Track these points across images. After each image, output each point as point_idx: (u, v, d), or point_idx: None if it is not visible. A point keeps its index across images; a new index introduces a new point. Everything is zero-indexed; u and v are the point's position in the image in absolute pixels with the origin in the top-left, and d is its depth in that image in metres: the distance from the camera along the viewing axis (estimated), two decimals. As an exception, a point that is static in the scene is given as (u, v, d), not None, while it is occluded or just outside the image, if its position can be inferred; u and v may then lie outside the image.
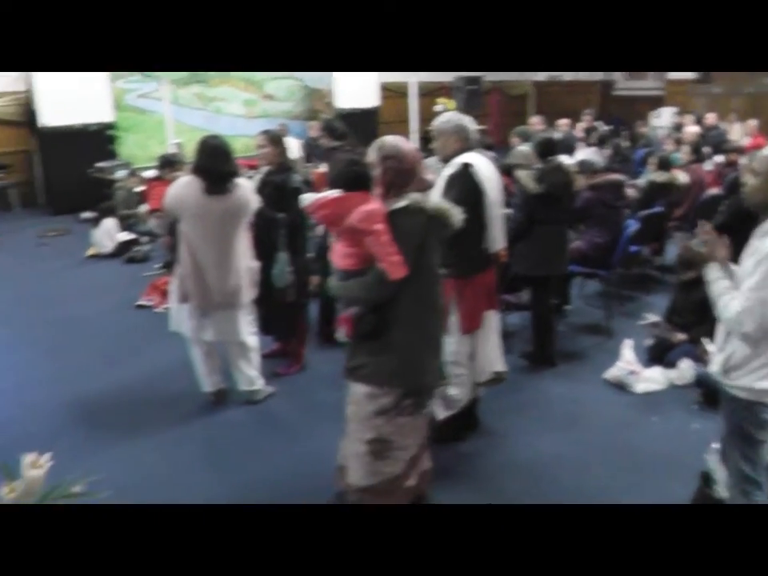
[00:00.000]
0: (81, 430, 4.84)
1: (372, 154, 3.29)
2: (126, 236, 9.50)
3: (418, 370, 3.31)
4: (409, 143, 3.36)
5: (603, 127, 10.71)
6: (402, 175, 3.22)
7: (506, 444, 4.56)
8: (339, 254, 3.30)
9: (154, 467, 4.34)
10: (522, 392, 5.21)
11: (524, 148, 6.05)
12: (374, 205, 3.17)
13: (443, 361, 3.59)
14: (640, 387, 5.23)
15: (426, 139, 6.76)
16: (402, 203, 3.19)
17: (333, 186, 3.39)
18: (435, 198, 3.51)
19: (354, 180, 3.25)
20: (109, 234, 9.34)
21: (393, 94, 15.54)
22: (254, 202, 4.85)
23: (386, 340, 3.26)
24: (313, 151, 11.37)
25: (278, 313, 5.34)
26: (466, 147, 4.24)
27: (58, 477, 2.24)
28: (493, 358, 4.45)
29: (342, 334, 3.52)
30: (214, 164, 4.62)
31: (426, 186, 3.27)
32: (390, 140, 3.32)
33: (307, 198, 3.36)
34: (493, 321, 4.46)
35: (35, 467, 2.17)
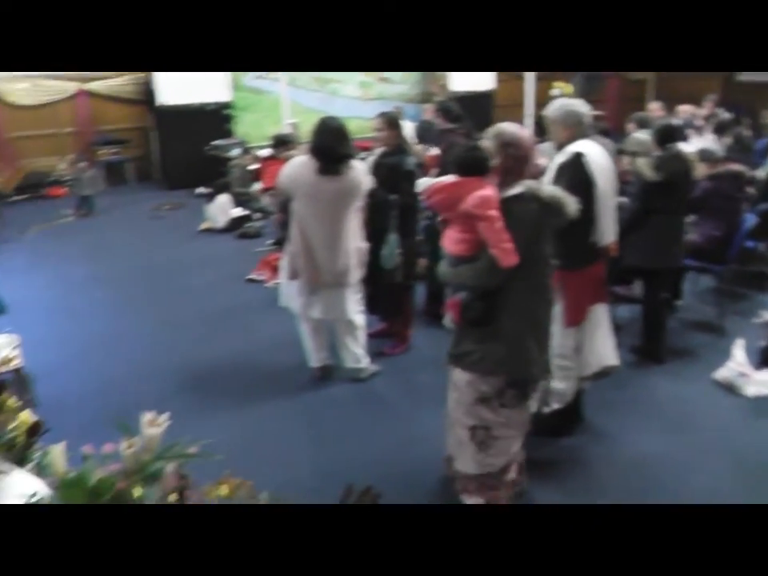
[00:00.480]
0: (189, 395, 5.06)
1: (490, 141, 3.28)
2: (239, 212, 9.75)
3: (524, 360, 3.28)
4: (524, 129, 3.32)
5: (724, 114, 10.23)
6: (519, 162, 3.21)
7: (609, 441, 4.48)
8: (451, 240, 3.30)
9: (259, 437, 4.48)
10: (628, 388, 5.09)
11: (641, 135, 5.87)
12: (489, 190, 3.16)
13: (550, 354, 3.54)
14: (751, 390, 4.98)
15: (539, 124, 6.63)
16: (516, 190, 3.18)
17: (450, 170, 3.40)
18: (548, 185, 3.45)
19: (470, 165, 3.25)
20: (223, 209, 9.60)
21: (508, 77, 15.26)
22: (367, 183, 4.89)
23: (493, 328, 3.25)
24: (426, 134, 11.32)
25: (385, 293, 5.40)
26: (579, 134, 4.12)
27: (171, 438, 2.35)
28: (602, 352, 4.34)
29: (448, 319, 3.53)
30: (331, 145, 4.67)
31: (538, 172, 3.23)
32: (509, 127, 3.30)
33: (423, 183, 3.39)
34: (602, 314, 4.34)
35: (153, 426, 2.27)
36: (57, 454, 2.23)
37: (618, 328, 5.44)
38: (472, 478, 3.49)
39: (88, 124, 12.43)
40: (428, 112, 11.36)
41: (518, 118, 11.69)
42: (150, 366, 5.56)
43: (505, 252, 3.08)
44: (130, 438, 2.24)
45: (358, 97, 14.14)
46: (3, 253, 8.76)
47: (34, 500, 2.00)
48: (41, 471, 2.58)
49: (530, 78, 11.64)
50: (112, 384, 5.25)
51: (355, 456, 4.28)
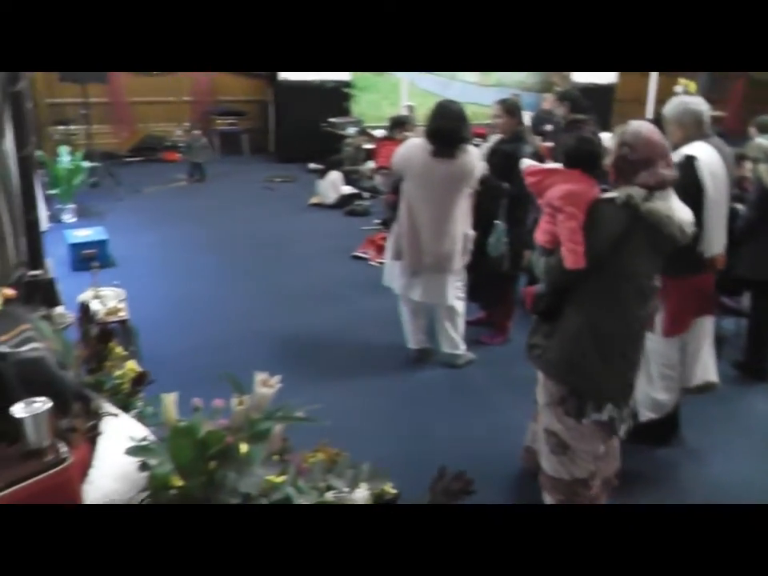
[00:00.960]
0: (287, 362, 5.11)
1: (613, 137, 3.14)
2: (349, 190, 9.82)
3: (579, 368, 3.08)
4: (655, 132, 3.11)
5: None
6: (632, 166, 2.97)
7: (702, 456, 4.29)
8: (540, 228, 3.22)
9: (352, 411, 4.49)
10: (728, 404, 4.84)
11: (763, 140, 5.58)
12: (579, 186, 3.02)
13: (631, 375, 3.25)
14: None
15: (657, 121, 6.36)
16: (613, 194, 2.99)
17: (558, 158, 3.31)
18: (674, 200, 3.06)
19: (575, 157, 3.13)
20: (333, 185, 9.67)
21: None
22: (479, 169, 4.82)
23: (556, 326, 3.13)
24: (542, 124, 11.10)
25: (487, 281, 5.32)
26: (696, 135, 3.88)
27: (279, 400, 2.37)
28: (706, 366, 4.15)
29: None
30: (447, 128, 4.63)
31: (664, 181, 2.98)
32: (634, 126, 3.05)
33: (525, 162, 3.29)
34: (707, 328, 4.13)
35: (266, 386, 2.30)
36: (169, 402, 2.28)
37: (722, 340, 5.20)
38: (550, 478, 3.39)
39: (207, 94, 12.72)
40: (547, 102, 11.12)
41: (639, 114, 11.38)
42: (249, 330, 5.68)
43: (573, 253, 2.94)
44: (240, 395, 2.28)
45: (475, 82, 13.94)
46: (116, 210, 9.07)
47: (144, 443, 2.05)
48: (142, 420, 2.66)
49: (653, 72, 11.28)
50: (212, 344, 5.38)
51: (445, 440, 4.25)
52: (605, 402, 3.14)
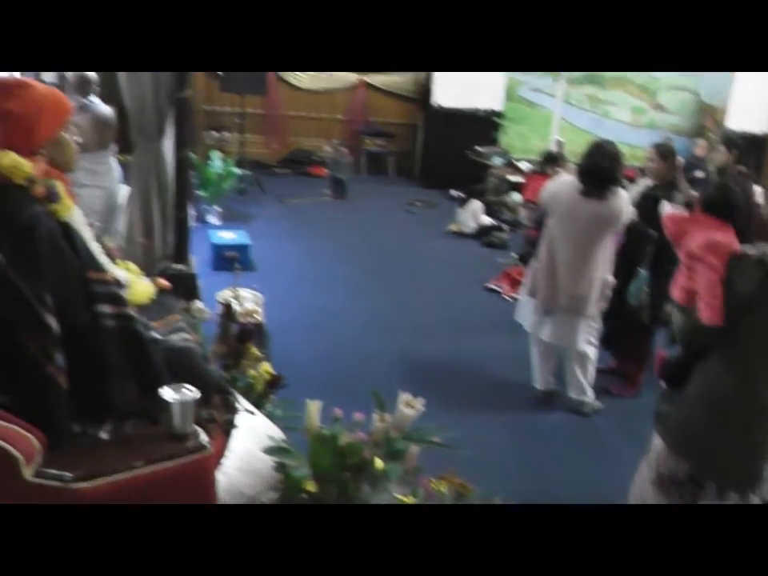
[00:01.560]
0: (411, 384, 4.97)
1: (761, 188, 2.99)
2: (489, 220, 9.75)
3: (698, 444, 2.78)
4: None
5: None
6: None
7: None
8: (676, 284, 3.08)
9: (472, 444, 4.39)
10: None
11: None
12: (722, 237, 2.87)
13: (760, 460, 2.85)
14: None
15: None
16: (753, 250, 2.68)
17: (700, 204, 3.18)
18: None
19: (715, 205, 3.00)
20: (474, 215, 9.65)
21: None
22: (627, 213, 4.70)
23: (682, 393, 2.84)
24: (692, 170, 10.73)
25: (623, 330, 5.16)
26: None
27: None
28: None
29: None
30: (602, 167, 4.54)
31: None
32: None
33: (665, 208, 3.17)
34: None
35: (409, 406, 2.32)
36: (313, 409, 2.33)
37: None
38: None
39: (360, 114, 12.99)
40: (699, 148, 10.75)
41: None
42: (376, 348, 5.72)
43: (710, 308, 2.73)
44: (383, 413, 2.30)
45: (628, 122, 13.63)
46: (260, 217, 9.37)
47: (284, 445, 2.10)
48: (271, 421, 2.72)
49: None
50: (339, 356, 5.47)
51: (562, 488, 4.14)
52: (727, 489, 2.80)
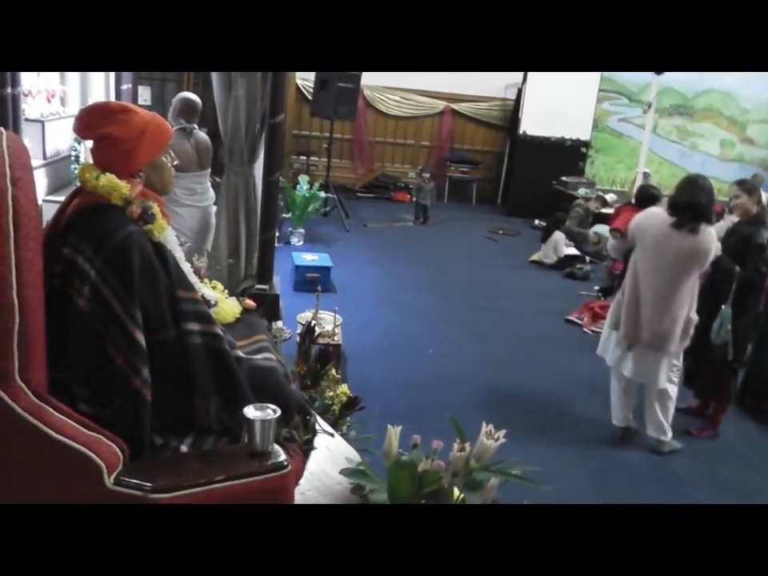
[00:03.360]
0: (487, 415, 4.94)
1: None
2: (571, 251, 9.67)
3: None
4: None
5: None
6: None
7: None
8: None
9: (547, 479, 4.34)
10: None
11: None
12: None
13: None
14: None
15: None
16: None
17: None
18: None
19: None
20: (556, 245, 9.57)
21: None
22: (715, 250, 4.61)
23: None
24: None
25: (706, 369, 5.04)
26: None
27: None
28: None
29: None
30: (693, 203, 4.47)
31: None
32: None
33: None
34: None
35: (490, 437, 2.32)
36: (393, 435, 2.35)
37: None
38: None
39: (446, 141, 13.08)
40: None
41: None
42: (451, 375, 5.70)
43: None
44: (463, 442, 2.31)
45: (716, 155, 13.38)
46: (342, 240, 9.51)
47: (361, 468, 2.13)
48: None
49: None
50: (415, 381, 5.47)
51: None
52: None
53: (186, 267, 2.41)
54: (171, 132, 2.48)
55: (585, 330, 7.12)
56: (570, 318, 7.40)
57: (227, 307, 2.58)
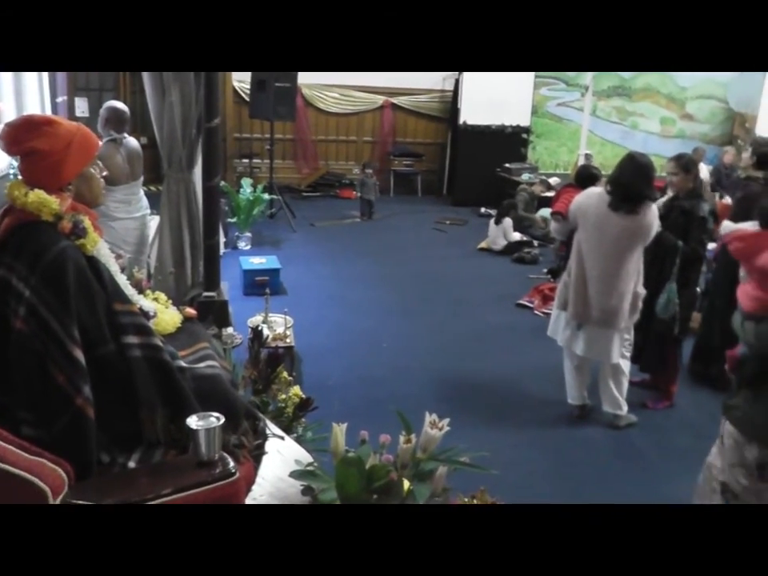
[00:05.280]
0: (445, 404, 5.05)
1: None
2: (519, 236, 9.75)
3: None
4: None
5: None
6: None
7: None
8: (745, 294, 3.06)
9: (507, 463, 4.37)
10: None
11: None
12: None
13: None
14: None
15: None
16: None
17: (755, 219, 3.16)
18: None
19: None
20: (504, 232, 9.64)
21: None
22: (656, 226, 4.67)
23: (763, 390, 2.94)
24: (721, 180, 10.67)
25: (653, 343, 5.12)
26: None
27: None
28: None
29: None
30: (632, 182, 4.50)
31: None
32: None
33: (726, 227, 3.14)
34: None
35: (435, 427, 2.32)
36: (338, 432, 2.34)
37: None
38: None
39: (388, 135, 13.09)
40: (728, 155, 10.71)
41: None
42: (408, 368, 5.71)
43: None
44: (408, 434, 2.30)
45: (657, 133, 13.61)
46: (292, 241, 9.47)
47: (310, 468, 2.11)
48: (301, 444, 2.73)
49: None
50: (371, 377, 5.46)
51: (597, 502, 4.06)
52: None
53: (122, 280, 2.36)
54: (98, 142, 2.43)
55: (536, 312, 7.18)
56: (521, 302, 7.46)
57: (167, 318, 2.54)
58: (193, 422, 1.94)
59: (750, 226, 3.14)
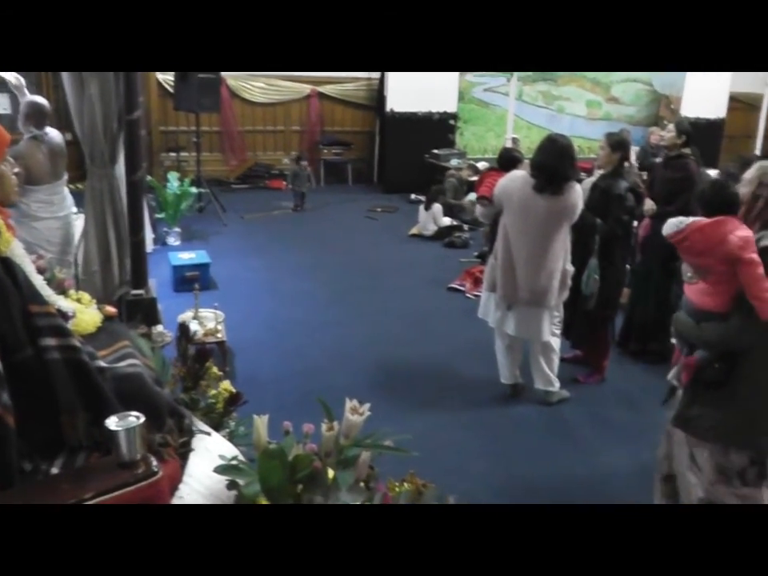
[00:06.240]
0: (380, 391, 5.13)
1: (749, 179, 3.01)
2: (449, 221, 9.82)
3: (760, 431, 2.98)
4: None
5: None
6: None
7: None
8: (699, 291, 3.01)
9: (441, 444, 4.44)
10: None
11: None
12: (747, 232, 2.90)
13: None
14: None
15: (766, 157, 6.16)
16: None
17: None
18: None
19: (722, 203, 2.97)
20: (434, 217, 9.70)
21: (741, 105, 14.43)
22: (581, 206, 4.74)
23: (730, 392, 2.95)
24: (647, 158, 10.92)
25: (581, 318, 5.22)
26: None
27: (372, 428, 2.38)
28: None
29: (673, 375, 3.26)
30: (553, 164, 4.56)
31: None
32: None
33: (671, 225, 3.08)
34: None
35: (356, 413, 2.31)
36: (260, 425, 2.32)
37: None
38: None
39: (316, 124, 13.01)
40: (654, 135, 10.96)
41: (748, 150, 11.06)
42: (344, 357, 5.72)
43: (765, 303, 2.78)
44: (330, 421, 2.30)
45: (583, 116, 13.84)
46: (220, 235, 9.36)
47: (234, 463, 2.09)
48: (233, 439, 2.71)
49: (764, 107, 11.07)
50: (306, 368, 5.44)
51: (537, 479, 4.16)
52: None
53: (38, 281, 2.30)
54: (8, 138, 2.34)
55: (468, 295, 7.25)
56: (453, 285, 7.53)
57: (87, 317, 2.48)
58: (112, 422, 1.90)
59: (676, 222, 3.10)
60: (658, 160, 7.41)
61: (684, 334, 3.09)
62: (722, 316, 2.91)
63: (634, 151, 11.38)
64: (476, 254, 8.30)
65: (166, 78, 11.59)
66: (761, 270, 2.80)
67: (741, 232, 2.85)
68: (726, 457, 3.01)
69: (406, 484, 2.45)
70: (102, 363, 2.22)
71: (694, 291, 3.01)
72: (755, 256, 2.81)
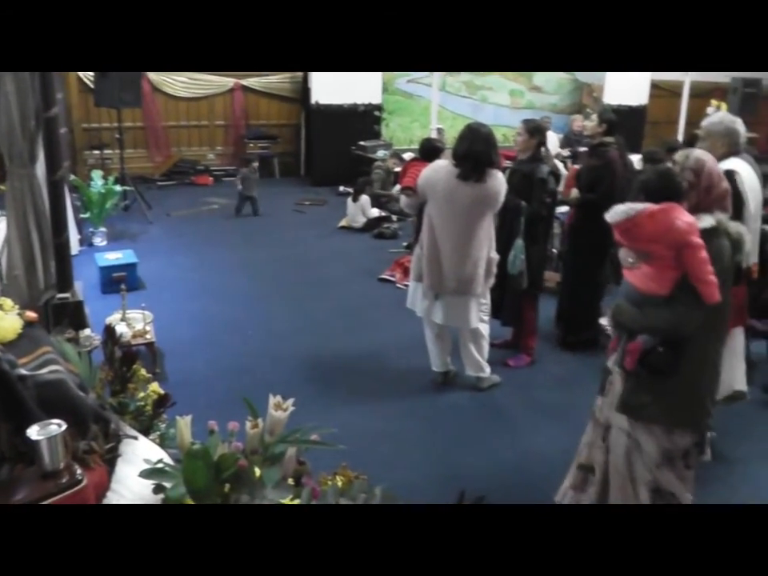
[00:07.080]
0: (314, 385, 5.14)
1: (682, 166, 3.09)
2: (377, 213, 9.86)
3: (704, 411, 3.08)
4: (712, 158, 3.14)
5: None
6: (709, 193, 3.01)
7: (734, 474, 4.24)
8: (644, 276, 3.04)
9: (375, 435, 4.48)
10: (756, 426, 4.81)
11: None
12: (691, 217, 2.97)
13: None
14: None
15: (689, 143, 6.35)
16: (708, 223, 2.95)
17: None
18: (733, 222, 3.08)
19: (665, 190, 3.02)
20: (362, 209, 9.72)
21: (663, 92, 14.80)
22: (503, 193, 4.81)
23: (675, 378, 2.99)
24: (571, 145, 11.16)
25: (510, 298, 5.35)
26: (734, 152, 4.00)
27: (292, 425, 2.38)
28: (734, 375, 4.12)
29: (611, 362, 3.29)
30: (475, 151, 4.63)
31: (726, 203, 3.04)
32: (702, 154, 3.13)
33: (619, 213, 3.06)
34: (737, 338, 4.13)
35: (279, 409, 2.31)
36: (183, 425, 2.30)
37: (752, 365, 5.10)
38: None
39: (240, 118, 12.89)
40: (576, 123, 11.20)
41: (670, 136, 11.35)
42: (276, 353, 5.70)
43: (710, 286, 2.83)
44: (255, 419, 2.30)
45: (507, 105, 14.02)
46: (148, 233, 9.23)
47: (159, 466, 2.07)
48: (164, 442, 2.69)
49: (684, 94, 11.35)
50: (238, 366, 5.40)
51: (469, 465, 4.22)
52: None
53: (-48, 290, 2.25)
54: None
55: (398, 285, 7.30)
56: (384, 276, 7.58)
57: (6, 324, 2.43)
58: (33, 432, 1.87)
59: (625, 209, 3.10)
60: (583, 149, 7.59)
61: (627, 323, 3.12)
62: (665, 300, 2.96)
63: (557, 138, 11.62)
64: (405, 244, 8.36)
65: (86, 73, 11.33)
66: (704, 253, 2.86)
67: (687, 217, 2.92)
68: (671, 439, 3.07)
69: (338, 477, 2.46)
70: (23, 371, 2.18)
71: (638, 276, 3.03)
72: (700, 240, 2.87)
